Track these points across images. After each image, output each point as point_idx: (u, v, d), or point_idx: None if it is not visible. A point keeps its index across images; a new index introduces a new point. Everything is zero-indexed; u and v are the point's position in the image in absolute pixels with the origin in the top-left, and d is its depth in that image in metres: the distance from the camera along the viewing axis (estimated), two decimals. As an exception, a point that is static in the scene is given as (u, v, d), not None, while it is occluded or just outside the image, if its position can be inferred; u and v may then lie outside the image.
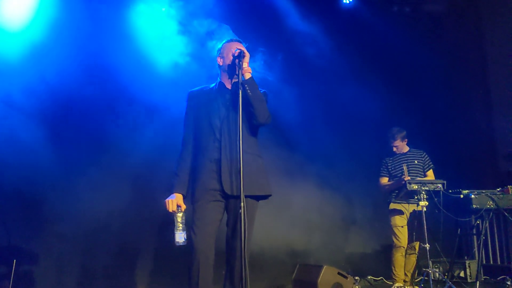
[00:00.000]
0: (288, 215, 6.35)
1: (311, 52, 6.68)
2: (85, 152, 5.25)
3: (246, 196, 2.89)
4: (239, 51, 3.15)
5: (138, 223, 5.42)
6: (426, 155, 5.48)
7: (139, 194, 5.45)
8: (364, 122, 6.88)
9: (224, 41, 3.42)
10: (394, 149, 5.46)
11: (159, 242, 5.52)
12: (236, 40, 3.40)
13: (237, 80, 3.12)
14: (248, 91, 3.13)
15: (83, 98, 5.22)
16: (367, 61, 7.12)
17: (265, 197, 3.28)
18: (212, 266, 3.09)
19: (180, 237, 3.03)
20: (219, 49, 3.40)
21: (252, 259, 2.87)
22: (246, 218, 2.82)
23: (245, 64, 3.17)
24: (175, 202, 3.13)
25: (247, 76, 3.16)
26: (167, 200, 3.14)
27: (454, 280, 5.99)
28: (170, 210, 3.11)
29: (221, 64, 3.37)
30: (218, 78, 3.39)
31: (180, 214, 3.09)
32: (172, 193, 3.18)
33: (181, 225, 3.06)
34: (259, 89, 3.28)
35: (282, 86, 6.14)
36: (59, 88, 5.05)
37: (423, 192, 4.70)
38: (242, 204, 2.83)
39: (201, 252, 3.03)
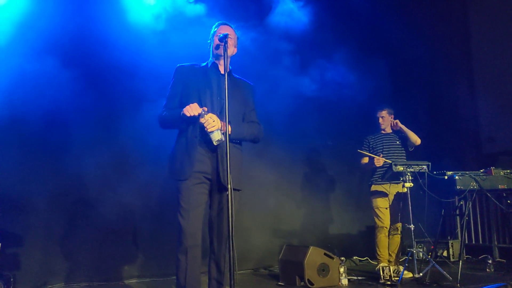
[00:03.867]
0: (274, 197, 6.38)
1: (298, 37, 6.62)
2: (75, 135, 5.21)
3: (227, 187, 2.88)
4: (221, 35, 3.13)
5: (125, 207, 5.41)
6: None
7: (126, 179, 5.44)
8: (349, 104, 6.88)
9: (215, 24, 3.43)
10: (380, 120, 5.46)
11: (146, 225, 5.52)
12: (223, 24, 3.39)
13: (225, 66, 3.07)
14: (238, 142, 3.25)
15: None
16: (352, 45, 7.06)
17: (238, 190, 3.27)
18: (200, 248, 3.11)
19: (218, 134, 2.98)
20: (211, 33, 3.41)
21: (238, 240, 2.88)
22: (233, 200, 2.83)
23: (230, 49, 3.18)
24: (195, 105, 3.01)
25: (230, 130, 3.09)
26: (185, 108, 2.99)
27: (438, 259, 6.11)
28: (196, 113, 2.97)
29: (210, 47, 3.38)
30: (210, 59, 3.38)
31: (207, 115, 3.00)
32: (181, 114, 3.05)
33: (211, 123, 2.99)
34: (246, 81, 3.41)
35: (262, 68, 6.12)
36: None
37: (409, 174, 4.74)
38: (229, 186, 2.83)
39: (190, 235, 3.04)
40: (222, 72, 3.27)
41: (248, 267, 6.05)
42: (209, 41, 3.41)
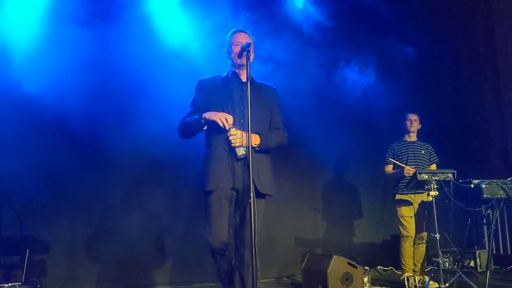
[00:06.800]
0: (298, 205, 6.36)
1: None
2: (98, 142, 5.28)
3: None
4: (244, 44, 3.14)
5: (152, 214, 5.47)
6: (433, 149, 5.44)
7: (154, 187, 5.52)
8: (373, 113, 6.83)
9: (230, 33, 3.42)
10: (413, 123, 5.38)
11: (174, 232, 5.57)
12: (240, 31, 3.39)
13: (247, 74, 3.08)
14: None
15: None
16: (378, 56, 7.00)
17: (268, 195, 3.29)
18: (231, 256, 3.17)
19: (241, 150, 3.05)
20: (227, 41, 3.41)
21: (261, 249, 2.88)
22: (256, 208, 2.83)
23: (251, 57, 3.18)
24: (231, 117, 3.05)
25: (255, 141, 3.13)
26: (217, 116, 3.04)
27: (464, 269, 5.99)
28: (228, 123, 3.02)
29: (229, 56, 3.39)
30: (230, 67, 3.40)
31: (232, 130, 3.05)
32: (203, 117, 3.11)
33: (236, 139, 3.05)
34: (269, 85, 3.41)
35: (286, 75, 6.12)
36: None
37: (434, 182, 4.66)
38: (251, 194, 2.84)
39: (217, 242, 3.11)
40: (244, 80, 3.30)
41: (271, 276, 6.02)
42: (226, 50, 3.42)
